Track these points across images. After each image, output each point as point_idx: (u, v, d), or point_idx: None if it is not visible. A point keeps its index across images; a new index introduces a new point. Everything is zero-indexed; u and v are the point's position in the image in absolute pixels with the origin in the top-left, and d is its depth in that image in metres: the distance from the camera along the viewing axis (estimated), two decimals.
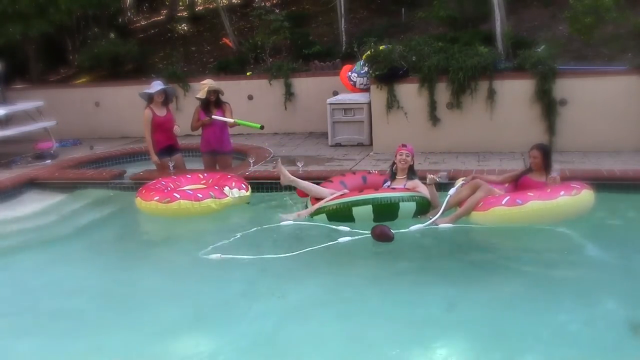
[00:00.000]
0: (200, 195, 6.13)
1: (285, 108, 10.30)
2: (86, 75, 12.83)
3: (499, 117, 7.86)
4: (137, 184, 6.93)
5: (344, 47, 11.05)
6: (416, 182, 5.79)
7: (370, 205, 5.50)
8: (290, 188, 6.38)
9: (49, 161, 9.03)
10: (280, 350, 3.81)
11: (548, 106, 7.65)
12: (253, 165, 7.57)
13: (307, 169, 7.28)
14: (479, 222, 5.49)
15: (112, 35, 14.00)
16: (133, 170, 8.02)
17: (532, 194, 5.35)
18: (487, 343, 3.74)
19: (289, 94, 10.25)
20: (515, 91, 7.80)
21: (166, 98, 7.38)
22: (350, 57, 10.15)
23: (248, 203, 6.57)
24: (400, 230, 5.37)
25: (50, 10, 10.92)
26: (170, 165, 7.24)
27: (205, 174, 7.01)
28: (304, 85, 10.23)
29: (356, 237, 5.33)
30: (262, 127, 7.36)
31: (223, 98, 7.39)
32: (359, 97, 8.89)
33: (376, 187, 5.90)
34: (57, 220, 6.67)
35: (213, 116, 7.18)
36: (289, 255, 5.09)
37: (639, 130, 7.44)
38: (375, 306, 4.32)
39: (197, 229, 6.11)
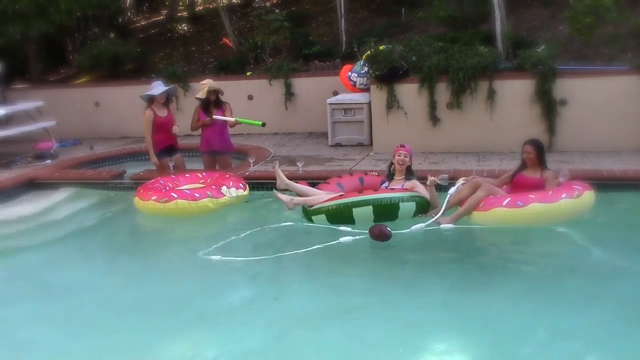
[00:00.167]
0: (198, 195, 6.13)
1: (286, 108, 10.30)
2: (86, 75, 12.83)
3: (499, 117, 7.86)
4: (137, 184, 6.93)
5: (344, 47, 11.05)
6: (414, 183, 5.78)
7: (371, 206, 5.48)
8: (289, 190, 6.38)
9: (49, 161, 9.04)
10: (280, 350, 3.81)
11: (548, 106, 7.65)
12: (253, 165, 7.57)
13: (307, 169, 7.29)
14: (479, 223, 5.48)
15: (112, 35, 14.00)
16: (133, 170, 8.03)
17: (533, 196, 5.29)
18: (487, 343, 3.74)
19: (289, 94, 10.25)
20: (515, 91, 7.80)
21: (167, 98, 7.38)
22: (350, 57, 10.15)
23: (247, 202, 6.57)
24: (402, 231, 5.36)
25: (50, 10, 10.92)
26: (170, 165, 7.25)
27: (204, 174, 7.02)
28: (304, 85, 10.23)
29: (357, 237, 5.33)
30: (263, 125, 7.36)
31: (223, 98, 7.39)
32: (359, 97, 8.89)
33: (374, 189, 5.88)
34: (57, 221, 6.66)
35: (214, 116, 7.18)
36: (289, 254, 5.09)
37: (639, 130, 7.44)
38: (376, 306, 4.32)
39: (198, 229, 6.11)
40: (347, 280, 4.80)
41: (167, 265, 5.43)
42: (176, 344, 3.96)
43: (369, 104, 8.58)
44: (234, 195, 6.29)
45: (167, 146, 7.33)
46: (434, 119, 8.09)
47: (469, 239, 5.52)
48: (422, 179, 5.83)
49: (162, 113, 7.25)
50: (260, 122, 7.34)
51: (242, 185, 6.49)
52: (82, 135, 10.90)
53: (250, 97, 10.45)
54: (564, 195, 5.27)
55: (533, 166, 5.66)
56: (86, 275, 5.22)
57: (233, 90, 9.32)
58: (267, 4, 13.78)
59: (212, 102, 7.26)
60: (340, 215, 5.56)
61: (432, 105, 8.06)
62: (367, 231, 5.28)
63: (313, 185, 6.23)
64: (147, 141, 7.22)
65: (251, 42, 11.54)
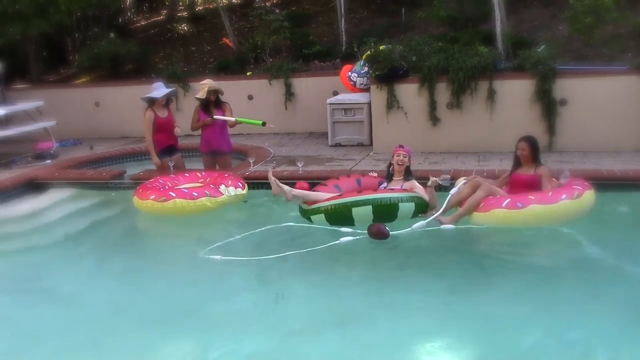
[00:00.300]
0: (196, 194, 6.14)
1: (286, 108, 10.30)
2: (86, 75, 12.83)
3: (499, 117, 7.86)
4: (137, 184, 6.92)
5: (344, 47, 11.05)
6: (413, 183, 5.78)
7: (370, 206, 5.48)
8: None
9: (49, 161, 9.03)
10: (280, 350, 3.81)
11: (548, 106, 7.65)
12: (253, 165, 7.57)
13: (307, 169, 7.29)
14: (479, 223, 5.47)
15: (112, 35, 14.00)
16: (133, 170, 8.03)
17: (533, 197, 5.27)
18: (488, 343, 3.74)
19: (289, 94, 10.26)
20: (515, 91, 7.80)
21: (167, 99, 7.38)
22: (350, 57, 10.15)
23: (245, 202, 6.56)
24: (403, 230, 5.37)
25: (50, 10, 10.92)
26: (171, 165, 7.25)
27: (203, 173, 7.03)
28: (304, 85, 10.23)
29: (357, 237, 5.33)
30: (263, 124, 7.36)
31: (223, 98, 7.39)
32: (359, 97, 8.89)
33: (371, 189, 5.88)
34: (56, 221, 6.66)
35: (215, 116, 7.18)
36: (290, 254, 5.09)
37: (639, 130, 7.44)
38: (376, 306, 4.32)
39: (198, 229, 6.11)
40: (347, 281, 4.80)
41: (168, 265, 5.42)
42: (176, 344, 3.96)
43: (369, 104, 8.58)
44: (233, 194, 6.29)
45: (167, 146, 7.33)
46: (434, 119, 8.09)
47: (469, 239, 5.52)
48: (423, 179, 5.84)
49: (163, 114, 7.25)
50: (261, 122, 7.34)
51: (240, 185, 6.49)
52: (82, 135, 10.90)
53: (250, 97, 10.45)
54: (564, 196, 5.25)
55: (527, 163, 5.68)
56: (86, 275, 5.23)
57: (233, 90, 9.33)
58: (267, 4, 13.78)
59: (212, 102, 7.26)
60: (340, 215, 5.56)
61: (432, 105, 8.06)
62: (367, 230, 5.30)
63: (311, 186, 6.22)
64: (148, 142, 7.22)
65: (251, 42, 11.55)
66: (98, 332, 4.13)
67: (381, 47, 8.46)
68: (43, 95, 10.44)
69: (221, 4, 13.45)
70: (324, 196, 5.79)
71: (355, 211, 5.50)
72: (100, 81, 12.22)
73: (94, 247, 5.97)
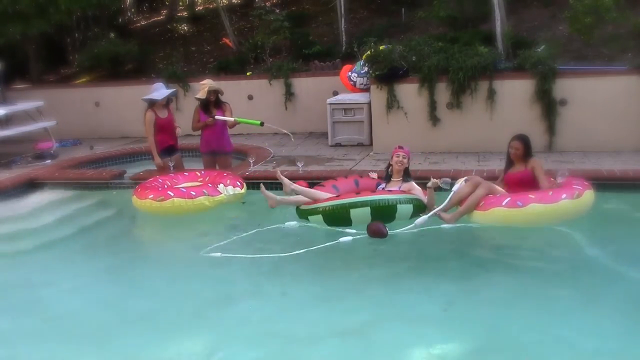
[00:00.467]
0: (194, 193, 6.14)
1: (285, 108, 10.30)
2: (86, 75, 12.83)
3: (499, 117, 7.86)
4: (137, 184, 6.92)
5: (344, 47, 11.05)
6: (411, 185, 5.77)
7: (369, 207, 5.48)
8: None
9: (49, 161, 9.04)
10: (280, 349, 3.81)
11: (548, 106, 7.65)
12: (253, 166, 7.58)
13: (307, 169, 7.29)
14: (479, 222, 5.48)
15: (112, 35, 13.99)
16: (133, 170, 8.03)
17: (533, 196, 5.28)
18: (487, 342, 3.74)
19: (289, 94, 10.26)
20: (515, 91, 7.80)
21: (167, 99, 7.38)
22: (350, 57, 10.14)
23: (243, 202, 6.56)
24: (405, 228, 5.39)
25: (50, 10, 10.91)
26: (171, 165, 7.25)
27: (203, 172, 7.03)
28: (304, 85, 10.23)
29: (357, 237, 5.33)
30: (262, 124, 7.35)
31: (223, 98, 7.39)
32: (359, 97, 8.89)
33: (369, 190, 5.87)
34: (57, 220, 6.66)
35: (216, 117, 7.17)
36: (290, 254, 5.09)
37: (639, 130, 7.44)
38: (375, 305, 4.33)
39: (198, 228, 6.11)
40: (347, 280, 4.80)
41: (168, 265, 5.42)
42: (177, 344, 3.96)
43: (369, 104, 8.58)
44: (231, 193, 6.29)
45: (167, 146, 7.33)
46: (434, 119, 8.09)
47: (469, 239, 5.52)
48: (423, 179, 5.83)
49: (163, 114, 7.24)
50: (259, 122, 7.34)
51: (239, 184, 6.49)
52: (82, 135, 10.90)
53: (250, 97, 10.45)
54: (564, 195, 5.25)
55: (519, 161, 5.71)
56: (86, 275, 5.23)
57: (233, 90, 9.33)
58: (267, 4, 13.78)
59: (212, 102, 7.26)
60: (338, 216, 5.55)
61: (432, 105, 8.06)
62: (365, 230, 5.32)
63: (310, 186, 6.21)
64: (150, 142, 7.18)
65: (251, 42, 11.54)
66: (99, 331, 4.13)
67: (381, 47, 8.46)
68: (43, 95, 10.44)
69: (221, 4, 13.45)
70: (322, 194, 5.79)
71: (353, 212, 5.49)
72: (100, 81, 12.22)
73: (93, 247, 5.97)
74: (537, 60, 7.65)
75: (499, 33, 8.58)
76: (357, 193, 5.69)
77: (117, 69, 12.21)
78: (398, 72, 8.17)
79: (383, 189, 5.88)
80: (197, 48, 13.21)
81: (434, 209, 5.59)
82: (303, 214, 5.78)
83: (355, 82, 9.27)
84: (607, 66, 7.96)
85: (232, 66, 11.29)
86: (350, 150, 8.62)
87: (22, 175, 8.00)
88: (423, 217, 5.46)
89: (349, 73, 9.35)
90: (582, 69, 7.83)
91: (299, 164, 7.18)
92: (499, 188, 5.65)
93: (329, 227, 5.61)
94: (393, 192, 5.68)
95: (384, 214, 5.48)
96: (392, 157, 5.95)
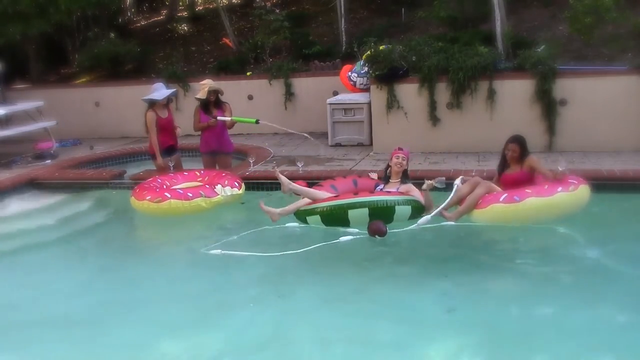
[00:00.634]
0: (191, 195, 6.14)
1: (285, 108, 10.30)
2: (86, 75, 12.82)
3: (499, 117, 7.86)
4: (137, 184, 6.93)
5: (344, 47, 11.04)
6: (409, 186, 5.76)
7: (367, 208, 5.47)
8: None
9: (49, 161, 9.04)
10: (280, 348, 3.82)
11: (548, 106, 7.65)
12: (253, 165, 7.58)
13: (307, 169, 7.29)
14: (477, 219, 5.50)
15: (112, 35, 13.99)
16: (133, 170, 8.04)
17: (529, 191, 5.37)
18: (487, 342, 3.74)
19: (289, 94, 10.26)
20: (515, 91, 7.80)
21: (167, 99, 7.38)
22: (350, 57, 10.14)
23: (242, 203, 6.56)
24: (409, 227, 5.40)
25: (50, 10, 10.91)
26: (171, 165, 7.25)
27: (202, 172, 7.03)
28: (304, 85, 10.23)
29: (357, 236, 5.33)
30: (257, 122, 7.32)
31: (223, 98, 7.39)
32: (359, 97, 8.89)
33: (367, 191, 5.85)
34: (57, 220, 6.67)
35: (218, 117, 7.16)
36: (290, 253, 5.10)
37: (639, 130, 7.44)
38: (375, 305, 4.33)
39: (198, 227, 6.12)
40: (347, 280, 4.80)
41: (168, 264, 5.43)
42: (177, 343, 3.96)
43: (369, 104, 8.58)
44: (229, 194, 6.29)
45: (167, 146, 7.33)
46: (434, 119, 8.09)
47: (470, 238, 5.53)
48: (422, 180, 5.82)
49: (164, 114, 7.24)
50: (254, 120, 7.32)
51: (237, 184, 6.48)
52: (82, 135, 10.90)
53: (250, 97, 10.45)
54: (559, 188, 5.35)
55: (516, 163, 5.74)
56: (86, 274, 5.24)
57: (233, 90, 9.33)
58: (267, 4, 13.77)
59: (212, 103, 7.26)
60: (336, 217, 5.54)
61: (432, 105, 8.06)
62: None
63: (309, 186, 6.20)
64: (153, 143, 7.16)
65: (251, 42, 11.54)
66: (99, 331, 4.13)
67: (381, 47, 8.46)
68: (43, 95, 10.44)
69: (221, 4, 13.45)
70: (322, 194, 5.77)
71: (351, 213, 5.48)
72: (100, 81, 12.22)
73: (93, 246, 5.98)
74: (537, 60, 7.65)
75: (499, 33, 8.58)
76: (356, 193, 5.67)
77: (117, 69, 12.21)
78: (398, 72, 8.17)
79: (381, 190, 5.88)
80: (197, 48, 13.20)
81: (435, 209, 5.59)
82: (301, 214, 5.77)
83: (355, 82, 9.27)
84: (607, 66, 7.96)
85: (232, 66, 11.29)
86: (350, 150, 8.62)
87: (22, 175, 8.00)
88: (426, 217, 5.47)
89: (349, 73, 9.35)
90: (582, 69, 7.83)
91: (299, 164, 7.18)
92: (498, 187, 5.67)
93: (327, 228, 5.60)
94: (391, 193, 5.68)
95: (382, 215, 5.47)
96: (391, 159, 5.95)
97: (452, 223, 5.50)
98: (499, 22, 8.58)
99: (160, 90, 7.21)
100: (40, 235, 6.27)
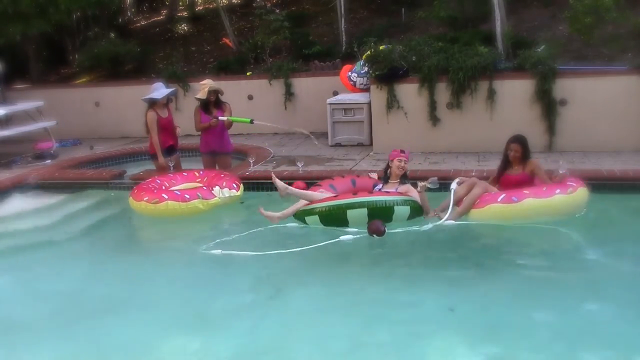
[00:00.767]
0: (188, 196, 6.15)
1: (285, 108, 10.30)
2: (86, 75, 12.83)
3: (499, 117, 7.86)
4: (137, 184, 6.93)
5: (344, 47, 11.05)
6: (408, 187, 5.78)
7: (366, 208, 5.47)
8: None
9: (49, 161, 9.04)
10: (280, 348, 3.81)
11: (548, 106, 7.65)
12: (253, 165, 7.57)
13: (307, 169, 7.29)
14: (475, 219, 5.52)
15: (112, 35, 14.00)
16: (133, 170, 8.03)
17: (527, 192, 5.38)
18: (487, 342, 3.74)
19: (289, 94, 10.26)
20: (515, 91, 7.80)
21: (167, 98, 7.38)
22: (350, 57, 10.14)
23: (242, 203, 6.56)
24: (416, 227, 5.43)
25: (50, 10, 10.91)
26: (170, 165, 7.25)
27: (201, 172, 7.03)
28: (304, 85, 10.23)
29: (357, 236, 5.33)
30: (251, 122, 7.32)
31: (223, 98, 7.39)
32: (359, 97, 8.89)
33: (366, 191, 5.85)
34: (57, 220, 6.66)
35: (220, 117, 7.16)
36: (290, 252, 5.10)
37: (639, 130, 7.44)
38: (375, 305, 4.33)
39: (198, 228, 6.12)
40: (347, 279, 4.81)
41: (168, 264, 5.42)
42: (177, 342, 3.96)
43: (369, 104, 8.58)
44: (227, 195, 6.29)
45: (167, 146, 7.33)
46: (434, 119, 8.09)
47: (469, 238, 5.52)
48: (421, 180, 5.82)
49: (164, 114, 7.25)
50: (249, 120, 7.31)
51: (235, 186, 6.48)
52: (82, 135, 10.90)
53: (250, 97, 10.45)
54: (557, 190, 5.37)
55: (518, 163, 5.72)
56: (86, 274, 5.23)
57: (233, 90, 9.33)
58: (267, 4, 13.77)
59: (212, 102, 7.26)
60: (334, 217, 5.54)
61: (432, 105, 8.06)
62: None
63: (308, 186, 6.20)
64: (155, 142, 7.15)
65: (251, 42, 11.54)
66: (99, 330, 4.13)
67: (381, 47, 8.46)
68: (43, 95, 10.44)
69: (221, 4, 13.45)
70: (319, 196, 5.77)
71: (350, 213, 5.49)
72: (100, 81, 12.22)
73: (93, 246, 5.98)
74: (537, 60, 7.65)
75: (499, 33, 8.58)
76: (354, 193, 5.67)
77: (117, 69, 12.21)
78: (398, 72, 8.17)
79: (380, 189, 5.88)
80: (197, 48, 13.21)
81: (434, 212, 5.66)
82: (300, 215, 5.76)
83: (355, 82, 9.27)
84: (607, 66, 7.96)
85: (232, 66, 11.29)
86: (350, 150, 8.62)
87: (22, 175, 8.00)
88: (433, 224, 5.50)
89: (349, 73, 9.35)
90: (582, 69, 7.83)
91: (299, 164, 7.18)
92: (494, 188, 5.69)
93: (326, 227, 5.60)
94: (390, 193, 5.69)
95: (381, 215, 5.48)
96: (392, 161, 5.95)
97: (452, 222, 5.51)
98: (499, 22, 8.58)
99: (159, 90, 7.21)
100: (40, 235, 6.27)
